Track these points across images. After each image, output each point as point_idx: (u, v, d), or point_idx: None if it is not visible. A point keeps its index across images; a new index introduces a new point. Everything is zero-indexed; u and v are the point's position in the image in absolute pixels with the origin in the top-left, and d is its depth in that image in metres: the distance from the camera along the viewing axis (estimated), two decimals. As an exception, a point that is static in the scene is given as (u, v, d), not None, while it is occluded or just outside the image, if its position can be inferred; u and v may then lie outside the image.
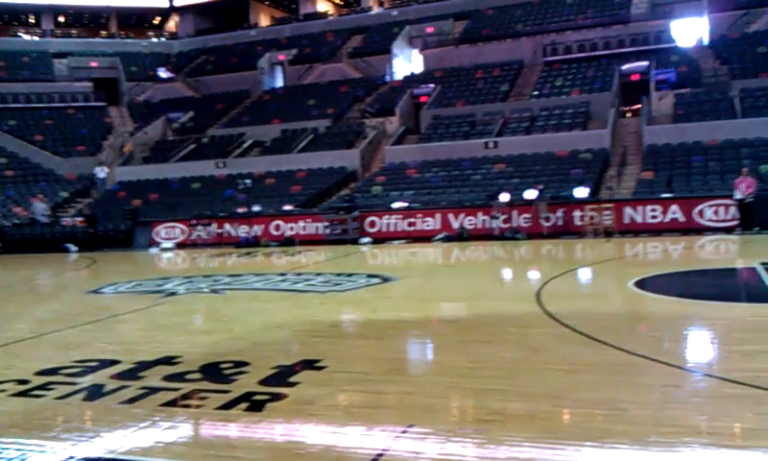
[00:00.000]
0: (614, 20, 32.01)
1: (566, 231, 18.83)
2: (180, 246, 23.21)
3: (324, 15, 45.52)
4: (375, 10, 43.79)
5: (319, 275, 13.03)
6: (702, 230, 17.64)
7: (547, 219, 19.09)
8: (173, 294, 11.28)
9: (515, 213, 19.51)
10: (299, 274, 13.35)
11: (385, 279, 11.84)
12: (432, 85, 32.00)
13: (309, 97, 34.63)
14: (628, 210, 18.78)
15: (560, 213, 19.17)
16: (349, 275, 12.72)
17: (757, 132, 21.97)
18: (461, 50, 34.08)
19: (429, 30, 37.08)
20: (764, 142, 21.39)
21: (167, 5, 48.13)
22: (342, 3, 48.94)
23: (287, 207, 23.34)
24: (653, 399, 4.90)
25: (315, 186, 25.73)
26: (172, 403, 5.09)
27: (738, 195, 17.13)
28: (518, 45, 32.67)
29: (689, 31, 30.66)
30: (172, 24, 50.00)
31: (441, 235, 20.04)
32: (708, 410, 4.73)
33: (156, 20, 50.84)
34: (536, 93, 29.13)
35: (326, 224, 21.51)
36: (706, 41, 30.08)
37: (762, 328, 7.05)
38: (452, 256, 16.74)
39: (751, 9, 30.14)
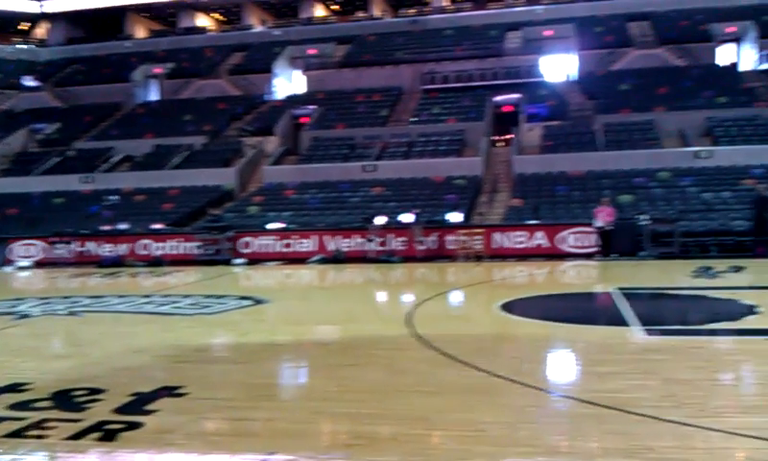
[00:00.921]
0: (489, 53, 33.36)
1: (440, 255, 19.25)
2: (39, 265, 21.79)
3: (203, 30, 44.64)
4: (257, 28, 43.44)
5: (187, 297, 12.59)
6: (565, 256, 18.55)
7: (421, 243, 19.45)
8: (26, 316, 10.54)
9: (390, 236, 19.75)
10: (165, 296, 12.83)
11: (257, 302, 11.60)
12: (313, 107, 32.04)
13: (186, 112, 33.73)
14: (497, 236, 19.48)
15: (434, 237, 19.59)
16: (220, 297, 12.38)
17: (617, 164, 23.47)
18: (342, 73, 34.38)
19: (311, 51, 37.18)
20: (623, 174, 22.86)
21: (38, 10, 45.57)
22: (223, 19, 48.20)
23: (156, 226, 22.47)
24: (512, 419, 5.02)
25: (188, 205, 24.99)
26: (16, 434, 4.71)
27: (599, 223, 18.15)
28: (398, 72, 33.36)
29: (559, 66, 32.43)
30: (41, 31, 47.36)
31: (316, 257, 19.96)
32: (564, 430, 4.91)
33: (25, 26, 47.98)
34: (414, 119, 29.81)
35: (198, 244, 20.89)
36: (574, 77, 31.88)
37: (615, 351, 7.43)
38: (327, 279, 16.69)
39: (615, 48, 32.26)
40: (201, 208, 24.75)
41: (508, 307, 10.30)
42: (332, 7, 45.81)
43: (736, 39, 31.51)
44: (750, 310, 9.36)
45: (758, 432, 4.62)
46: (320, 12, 44.58)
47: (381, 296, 13.93)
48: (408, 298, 12.79)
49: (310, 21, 41.77)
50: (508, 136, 28.68)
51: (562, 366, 7.29)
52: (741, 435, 4.61)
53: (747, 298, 10.32)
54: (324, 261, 19.67)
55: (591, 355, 7.51)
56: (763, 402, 5.59)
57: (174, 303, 11.69)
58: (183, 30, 44.29)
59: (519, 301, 11.23)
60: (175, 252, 21.25)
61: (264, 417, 5.15)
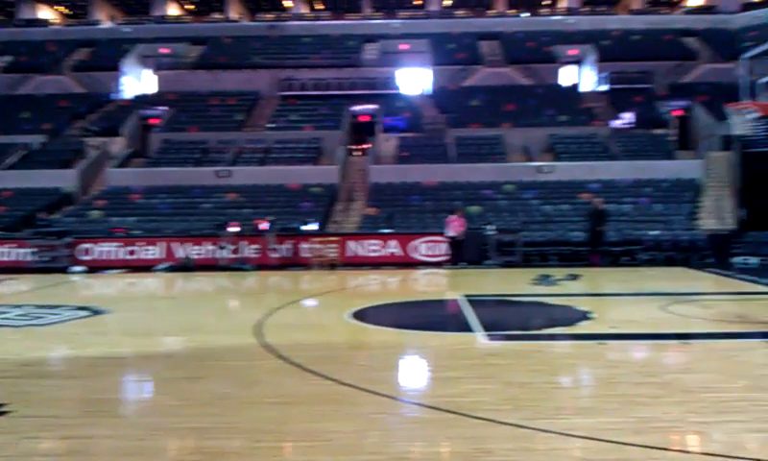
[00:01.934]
0: (347, 63, 33.63)
1: (294, 263, 19.08)
2: None
3: (45, 23, 41.78)
4: (105, 24, 41.26)
5: (17, 307, 11.62)
6: (417, 264, 18.97)
7: (274, 250, 19.18)
8: None
9: (243, 244, 19.31)
10: (-7, 305, 11.79)
11: (96, 312, 10.91)
12: (164, 108, 30.83)
13: (23, 109, 31.37)
14: (352, 244, 19.59)
15: (288, 245, 19.38)
16: (54, 307, 11.52)
17: (468, 176, 24.35)
18: (196, 75, 33.35)
19: (163, 51, 35.80)
20: (473, 185, 23.75)
21: None
22: (68, 12, 45.37)
23: (-15, 231, 20.66)
24: (359, 427, 5.00)
25: (24, 208, 23.19)
26: None
27: (450, 233, 18.71)
28: (256, 76, 32.83)
29: (414, 80, 33.23)
30: None
31: (164, 265, 19.15)
32: (409, 436, 4.94)
33: None
34: (271, 125, 29.45)
35: (33, 250, 19.40)
36: (428, 91, 32.78)
37: (460, 356, 7.62)
38: (174, 287, 16.05)
39: (467, 65, 33.53)
40: (35, 212, 23.03)
41: (360, 315, 10.33)
42: (186, 6, 44.44)
43: (578, 62, 33.73)
44: (584, 316, 9.95)
45: (591, 433, 4.86)
46: (173, 10, 43.09)
47: (231, 305, 13.56)
48: (259, 307, 12.50)
49: (163, 19, 40.25)
50: (364, 146, 29.01)
51: (409, 373, 7.38)
52: (575, 436, 4.83)
53: (581, 304, 10.98)
54: (172, 269, 18.90)
55: (438, 361, 7.66)
56: (595, 404, 5.92)
57: (1, 313, 10.75)
58: (24, 22, 41.23)
59: (371, 309, 11.30)
60: (6, 259, 19.61)
61: (97, 434, 4.82)
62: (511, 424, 5.05)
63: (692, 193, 22.46)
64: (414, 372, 7.45)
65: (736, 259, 17.81)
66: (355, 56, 34.69)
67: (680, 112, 28.69)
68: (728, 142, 23.24)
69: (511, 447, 4.66)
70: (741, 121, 20.84)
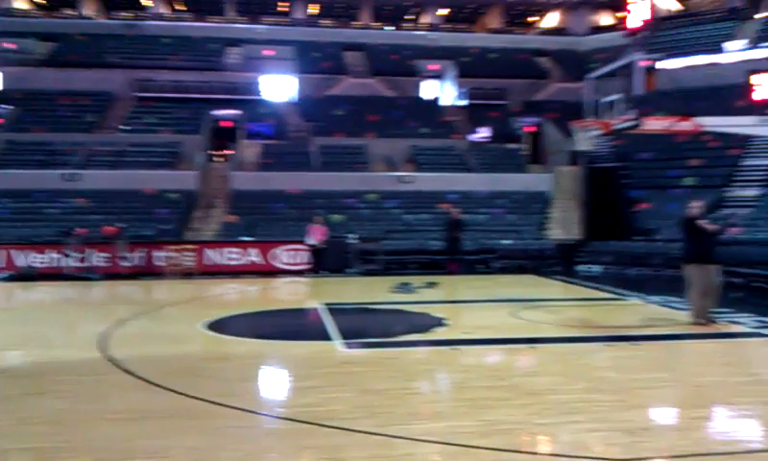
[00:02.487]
0: (208, 67, 32.73)
1: (147, 272, 18.24)
2: None
3: None
4: (-60, 12, 37.80)
5: None
6: (278, 273, 18.70)
7: (125, 258, 18.25)
8: None
9: (91, 252, 18.21)
10: None
11: None
12: (8, 107, 28.63)
13: None
14: (210, 252, 19.03)
15: (141, 253, 18.51)
16: None
17: (331, 184, 24.38)
18: (46, 73, 31.20)
19: (9, 46, 33.27)
20: (336, 194, 23.80)
21: None
22: None
23: None
24: (212, 442, 4.82)
25: None
26: None
27: (311, 241, 18.62)
28: (110, 76, 31.20)
29: (279, 87, 32.84)
30: None
31: (3, 274, 17.73)
32: (263, 448, 4.82)
33: None
34: (125, 128, 28.11)
35: None
36: (293, 99, 32.54)
37: (317, 365, 7.56)
38: (13, 298, 14.92)
39: (332, 75, 33.62)
40: None
41: (216, 326, 10.01)
42: (36, 0, 41.65)
43: (439, 76, 34.72)
44: (439, 322, 10.17)
45: (443, 437, 4.95)
46: (21, 4, 40.24)
47: (75, 316, 12.71)
48: (106, 318, 11.81)
49: (9, 13, 37.46)
50: (226, 152, 28.32)
51: (266, 383, 7.22)
52: (427, 441, 4.88)
53: (438, 311, 11.23)
54: (12, 278, 17.53)
55: (295, 371, 7.56)
56: (447, 408, 6.04)
57: None
58: None
59: (228, 319, 10.99)
60: None
61: None
62: (365, 432, 5.04)
63: (542, 205, 23.70)
64: (271, 382, 7.30)
65: (581, 267, 18.95)
66: (217, 59, 33.85)
67: (532, 128, 30.24)
68: (575, 157, 24.72)
69: (364, 454, 4.65)
70: (586, 138, 22.25)
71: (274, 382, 7.31)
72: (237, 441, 4.90)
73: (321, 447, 4.80)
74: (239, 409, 5.68)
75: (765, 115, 14.19)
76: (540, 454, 4.85)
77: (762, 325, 9.91)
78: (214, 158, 28.40)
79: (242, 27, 37.10)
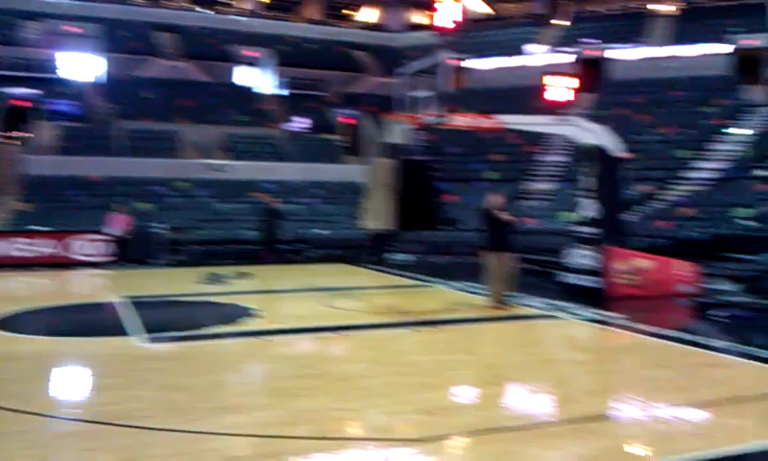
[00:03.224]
0: (0, 41, 29.76)
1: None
2: None
3: None
4: None
5: None
6: (77, 265, 17.39)
7: None
8: None
9: None
10: None
11: None
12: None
13: None
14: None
15: None
16: None
17: (138, 171, 23.11)
18: None
19: None
20: (143, 181, 22.62)
21: None
22: None
23: None
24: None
25: None
26: None
27: (114, 231, 17.54)
28: None
29: (82, 66, 30.55)
30: None
31: None
32: (53, 452, 4.46)
33: None
34: None
35: None
36: (98, 79, 30.42)
37: (118, 362, 7.13)
38: None
39: (141, 55, 31.85)
40: None
41: (4, 324, 9.11)
42: None
43: (257, 64, 34.10)
44: (251, 313, 10.00)
45: (249, 429, 4.89)
46: None
47: None
48: None
49: None
50: (20, 134, 25.92)
51: (57, 384, 6.68)
52: (232, 434, 4.77)
53: (249, 302, 11.03)
54: None
55: (91, 369, 7.09)
56: (255, 400, 5.93)
57: None
58: None
59: (18, 315, 10.05)
60: None
61: None
62: (166, 429, 4.82)
63: (357, 195, 24.10)
64: (64, 382, 6.76)
65: (392, 256, 19.51)
66: (11, 33, 30.87)
67: (349, 120, 30.67)
68: (389, 150, 25.36)
69: (164, 452, 4.45)
70: (399, 131, 22.87)
71: (67, 382, 6.78)
72: (26, 446, 4.49)
73: (117, 447, 4.52)
74: (27, 413, 5.21)
75: (558, 116, 15.40)
76: (346, 439, 4.90)
77: (552, 307, 10.75)
78: (6, 140, 25.90)
79: (42, 0, 34.11)
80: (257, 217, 18.69)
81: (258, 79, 33.35)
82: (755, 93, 27.68)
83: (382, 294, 13.15)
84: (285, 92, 31.98)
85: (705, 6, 33.26)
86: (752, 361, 7.23)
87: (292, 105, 30.66)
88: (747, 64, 28.77)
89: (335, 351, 8.02)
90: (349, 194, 24.28)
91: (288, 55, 33.53)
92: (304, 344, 8.39)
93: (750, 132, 24.52)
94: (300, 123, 29.36)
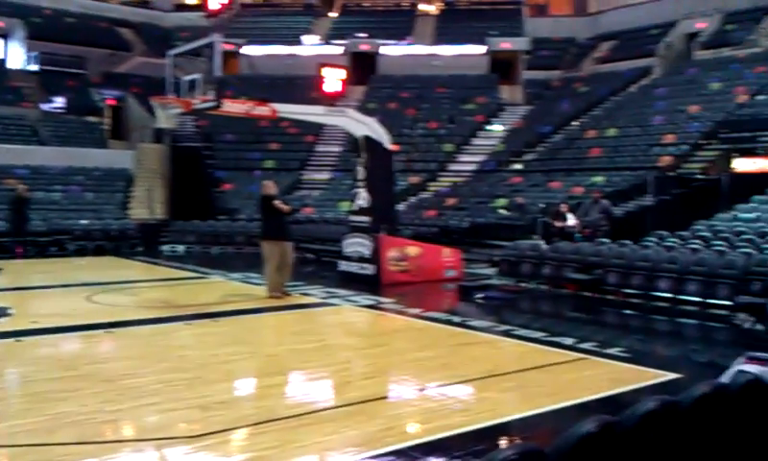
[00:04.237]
0: None
1: None
2: None
3: None
4: None
5: None
6: None
7: None
8: None
9: None
10: None
11: None
12: None
13: None
14: None
15: None
16: None
17: None
18: None
19: None
20: None
21: None
22: None
23: None
24: None
25: None
26: None
27: None
28: None
29: None
30: None
31: None
32: None
33: None
34: None
35: None
36: None
37: None
38: None
39: None
40: None
41: None
42: None
43: (4, 36, 30.64)
44: (2, 312, 9.02)
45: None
46: None
47: None
48: None
49: None
50: None
51: None
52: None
53: (0, 300, 9.93)
54: None
55: None
56: (6, 408, 5.32)
57: None
58: None
59: None
60: None
61: None
62: None
63: (124, 183, 22.69)
64: None
65: (164, 247, 18.67)
66: None
67: (114, 102, 28.70)
68: (159, 135, 24.21)
69: None
70: (166, 115, 21.93)
71: None
72: None
73: None
74: None
75: (333, 106, 15.68)
76: (118, 441, 4.57)
77: (330, 295, 10.95)
78: None
79: None
80: (6, 207, 16.91)
81: (6, 53, 30.07)
82: (509, 93, 30.42)
83: (155, 288, 12.49)
84: (38, 68, 29.11)
85: (463, 8, 35.85)
86: (509, 338, 7.91)
87: (48, 83, 28.04)
88: (501, 66, 31.51)
89: (101, 349, 7.48)
90: (116, 182, 22.86)
91: (41, 27, 30.56)
92: (66, 344, 7.72)
93: (503, 128, 26.90)
94: (57, 103, 26.94)
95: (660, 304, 10.14)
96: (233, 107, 12.11)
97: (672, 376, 6.19)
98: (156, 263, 16.06)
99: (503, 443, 4.60)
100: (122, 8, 35.97)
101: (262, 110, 12.35)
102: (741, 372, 3.38)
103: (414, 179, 23.23)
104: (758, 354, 3.50)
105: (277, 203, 10.39)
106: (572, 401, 5.35)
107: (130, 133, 27.11)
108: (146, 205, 21.21)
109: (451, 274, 12.80)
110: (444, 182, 23.43)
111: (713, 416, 2.96)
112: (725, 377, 3.38)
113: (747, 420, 3.21)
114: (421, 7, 36.38)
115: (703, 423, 2.90)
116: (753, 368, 3.40)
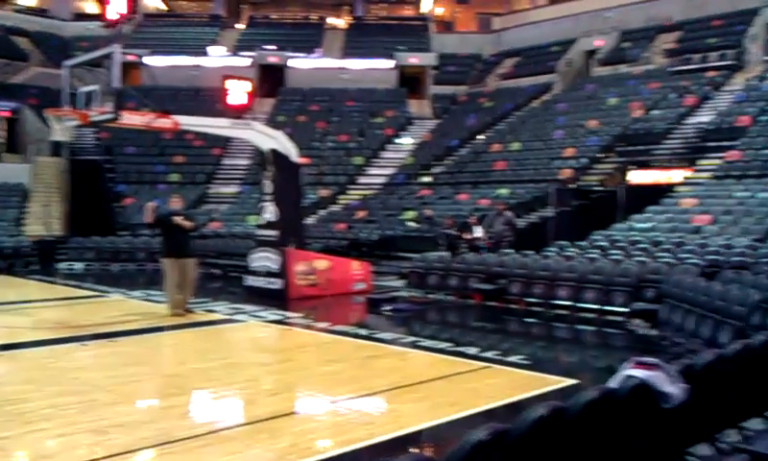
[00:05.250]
0: None
1: None
2: None
3: None
4: None
5: None
6: None
7: None
8: None
9: None
10: None
11: None
12: None
13: None
14: None
15: None
16: None
17: None
18: None
19: None
20: None
21: None
22: None
23: None
24: None
25: None
26: None
27: None
28: None
29: None
30: None
31: None
32: None
33: None
34: None
35: None
36: None
37: None
38: None
39: None
40: None
41: None
42: None
43: None
44: None
45: None
46: None
47: None
48: None
49: None
50: None
51: None
52: None
53: None
54: None
55: None
56: None
57: None
58: None
59: None
60: None
61: None
62: None
63: (19, 198, 21.61)
64: None
65: (62, 265, 17.84)
66: None
67: (8, 114, 27.31)
68: (57, 148, 23.22)
69: None
70: (62, 128, 21.04)
71: None
72: None
73: None
74: None
75: (239, 119, 15.44)
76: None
77: (235, 311, 10.74)
78: None
79: None
80: None
81: None
82: (417, 107, 30.86)
83: (50, 307, 11.90)
84: None
85: (371, 22, 36.19)
86: (416, 350, 7.96)
87: (-66, 92, 26.44)
88: (409, 80, 31.95)
89: (-12, 374, 7.05)
90: (10, 197, 21.75)
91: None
92: (-52, 370, 7.24)
93: (412, 141, 27.24)
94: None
95: (561, 312, 10.48)
96: (133, 119, 11.70)
97: (570, 381, 6.39)
98: (52, 282, 15.34)
99: (402, 455, 4.60)
100: (18, 16, 34.37)
101: (163, 123, 12.00)
102: (629, 376, 3.51)
103: (324, 192, 23.17)
104: (645, 359, 3.64)
105: (178, 219, 10.08)
106: (474, 410, 5.43)
107: (26, 146, 25.85)
108: (42, 221, 20.25)
109: (360, 287, 12.81)
110: (353, 195, 23.47)
111: (601, 420, 3.06)
112: (613, 382, 3.50)
113: (633, 424, 3.34)
114: (330, 20, 36.48)
115: (591, 427, 2.99)
116: (640, 372, 3.53)
